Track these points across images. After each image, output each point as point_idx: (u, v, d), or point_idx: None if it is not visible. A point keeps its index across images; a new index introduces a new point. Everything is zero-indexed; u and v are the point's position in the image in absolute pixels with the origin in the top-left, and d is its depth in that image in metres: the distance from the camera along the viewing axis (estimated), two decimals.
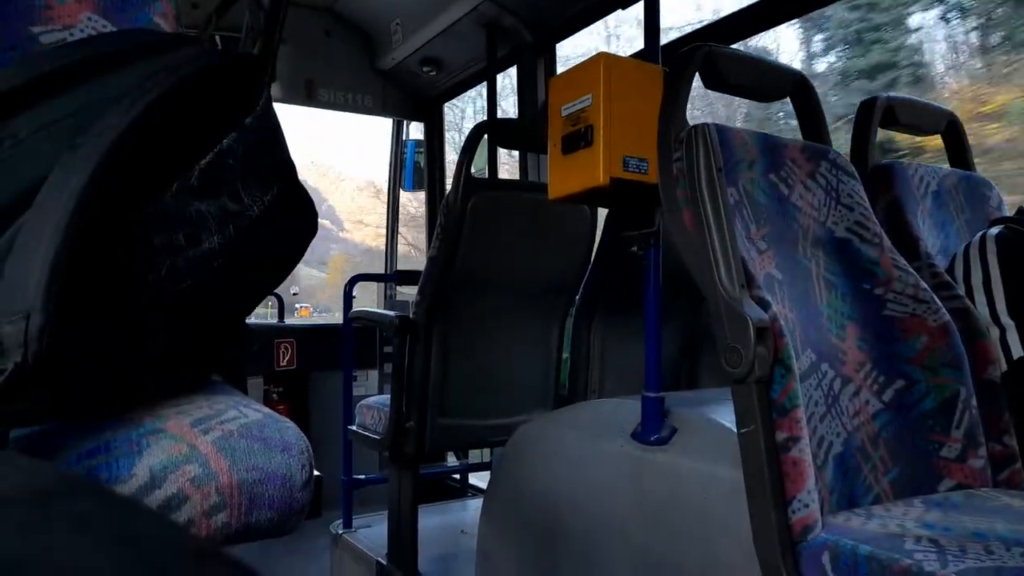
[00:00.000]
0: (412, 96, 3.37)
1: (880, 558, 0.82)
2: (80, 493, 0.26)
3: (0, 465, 0.31)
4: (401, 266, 3.57)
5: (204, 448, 0.59)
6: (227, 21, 0.86)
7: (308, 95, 3.15)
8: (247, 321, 0.80)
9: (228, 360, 0.80)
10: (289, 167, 0.74)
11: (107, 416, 0.60)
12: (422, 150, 3.45)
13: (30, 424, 0.58)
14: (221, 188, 0.65)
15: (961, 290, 1.29)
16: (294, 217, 0.74)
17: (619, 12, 2.48)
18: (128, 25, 0.86)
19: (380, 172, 3.74)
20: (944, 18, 2.86)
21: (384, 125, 3.58)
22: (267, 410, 0.68)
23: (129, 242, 0.58)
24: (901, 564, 0.80)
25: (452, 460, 3.15)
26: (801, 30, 3.51)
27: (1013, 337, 1.27)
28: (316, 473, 0.67)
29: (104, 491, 0.30)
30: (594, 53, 1.26)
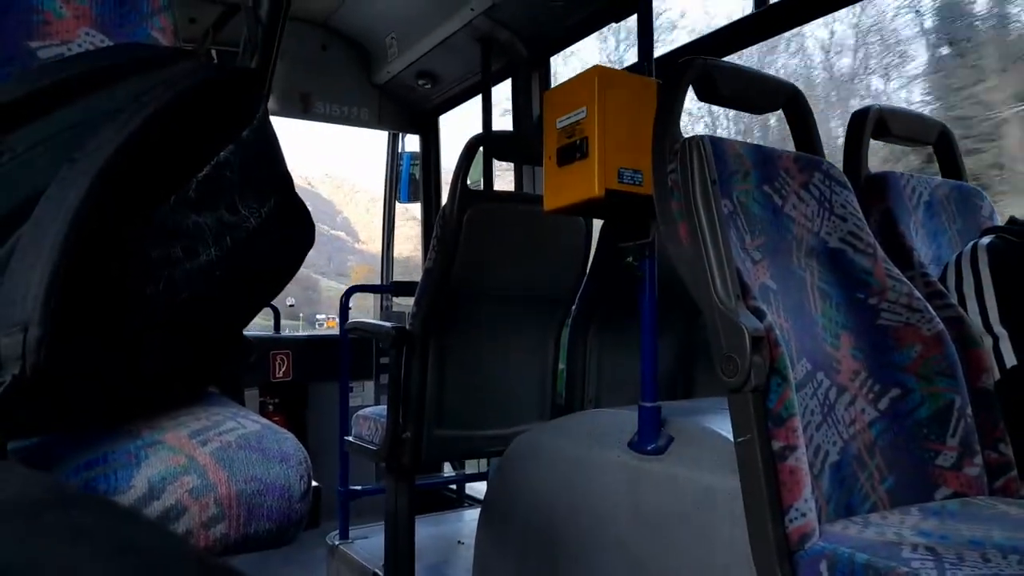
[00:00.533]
0: (408, 109, 3.39)
1: (877, 566, 0.82)
2: (79, 504, 0.26)
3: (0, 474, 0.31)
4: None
5: (202, 459, 0.59)
6: (225, 36, 0.87)
7: (304, 108, 3.16)
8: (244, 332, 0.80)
9: (225, 372, 0.80)
10: (286, 179, 0.74)
11: (105, 428, 0.60)
12: (417, 162, 3.47)
13: (28, 436, 0.58)
14: (218, 200, 0.65)
15: (954, 299, 1.29)
16: (291, 229, 0.74)
17: None
18: (126, 40, 0.86)
19: None
20: None
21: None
22: (265, 421, 0.68)
23: (124, 257, 0.58)
24: (898, 572, 0.80)
25: (448, 470, 3.14)
26: None
27: (1006, 346, 1.28)
28: (315, 484, 0.67)
29: (102, 502, 0.30)
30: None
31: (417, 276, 2.04)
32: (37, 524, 0.23)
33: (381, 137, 3.57)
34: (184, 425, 0.63)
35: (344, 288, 2.82)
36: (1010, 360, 1.27)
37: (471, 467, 3.07)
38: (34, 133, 0.61)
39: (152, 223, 0.60)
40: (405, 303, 3.40)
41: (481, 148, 2.02)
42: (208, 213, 0.64)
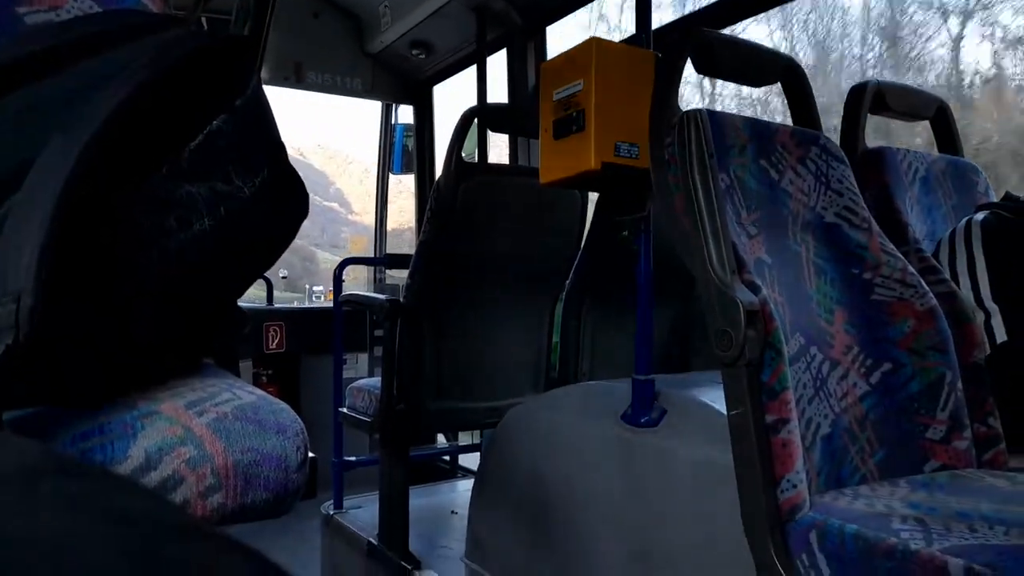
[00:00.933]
0: (402, 79, 3.35)
1: (867, 536, 0.84)
2: (73, 472, 0.26)
3: None
4: None
5: (199, 430, 0.59)
6: (216, 3, 0.85)
7: (296, 77, 3.12)
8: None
9: (220, 343, 0.80)
10: (279, 148, 0.73)
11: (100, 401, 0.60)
12: (411, 134, 3.44)
13: (23, 407, 0.58)
14: (212, 170, 0.64)
15: (947, 275, 1.30)
16: (285, 199, 0.73)
17: None
18: (116, 6, 0.85)
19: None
20: None
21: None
22: (261, 392, 0.68)
23: (114, 224, 0.58)
24: (887, 542, 0.81)
25: (442, 442, 3.16)
26: None
27: (997, 321, 1.29)
28: (311, 455, 0.67)
29: (98, 470, 0.30)
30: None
31: (408, 249, 2.03)
32: (34, 493, 0.23)
33: (374, 107, 3.54)
34: (180, 396, 0.63)
35: (339, 260, 2.81)
36: (1001, 336, 1.28)
37: (464, 439, 3.09)
38: (23, 100, 0.60)
39: (144, 192, 0.59)
40: (399, 275, 3.39)
41: (476, 120, 2.00)
42: (201, 183, 0.63)
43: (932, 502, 0.94)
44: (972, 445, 1.14)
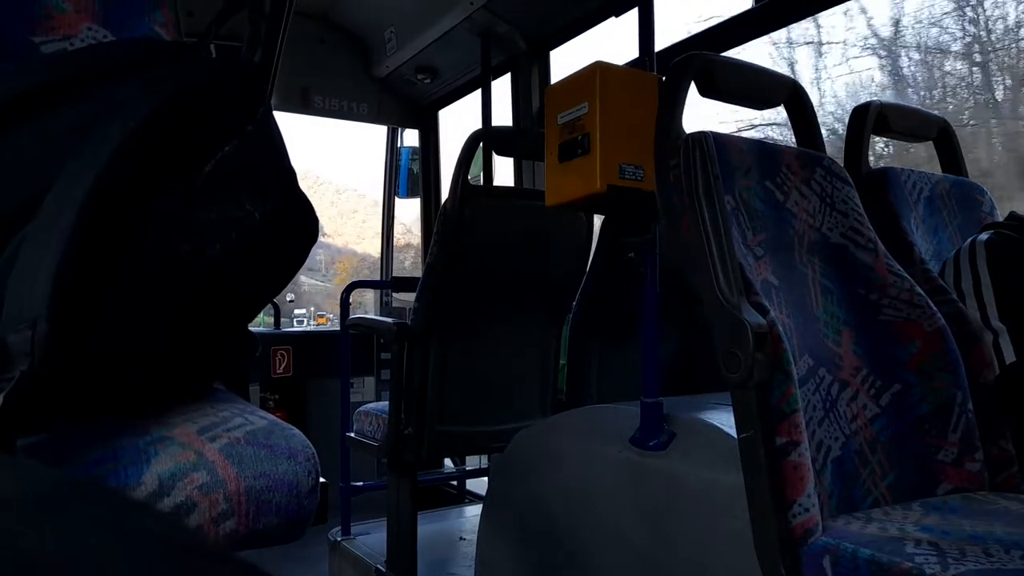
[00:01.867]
0: (407, 103, 3.39)
1: (881, 561, 0.83)
2: (90, 495, 0.27)
3: (10, 468, 0.31)
4: None
5: (211, 455, 0.59)
6: (227, 30, 0.87)
7: (303, 103, 3.15)
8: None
9: (230, 367, 0.80)
10: (290, 174, 0.74)
11: (112, 421, 0.60)
12: (416, 157, 3.46)
13: (37, 432, 0.58)
14: (223, 195, 0.65)
15: (954, 295, 1.30)
16: (295, 224, 0.74)
17: None
18: (128, 35, 0.86)
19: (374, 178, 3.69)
20: None
21: (371, 129, 3.58)
22: (272, 417, 0.69)
23: (129, 249, 0.58)
24: (902, 567, 0.80)
25: (449, 466, 3.14)
26: None
27: (1005, 341, 1.28)
28: (322, 480, 0.67)
29: (116, 494, 0.31)
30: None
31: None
32: (53, 515, 0.23)
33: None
34: (192, 421, 0.63)
35: (318, 284, 2.82)
36: (1009, 356, 1.27)
37: (471, 463, 3.08)
38: (38, 129, 0.60)
39: (158, 217, 0.60)
40: (405, 298, 3.40)
41: (481, 143, 2.02)
42: (213, 208, 0.64)
43: (946, 525, 0.93)
44: (984, 467, 1.13)
